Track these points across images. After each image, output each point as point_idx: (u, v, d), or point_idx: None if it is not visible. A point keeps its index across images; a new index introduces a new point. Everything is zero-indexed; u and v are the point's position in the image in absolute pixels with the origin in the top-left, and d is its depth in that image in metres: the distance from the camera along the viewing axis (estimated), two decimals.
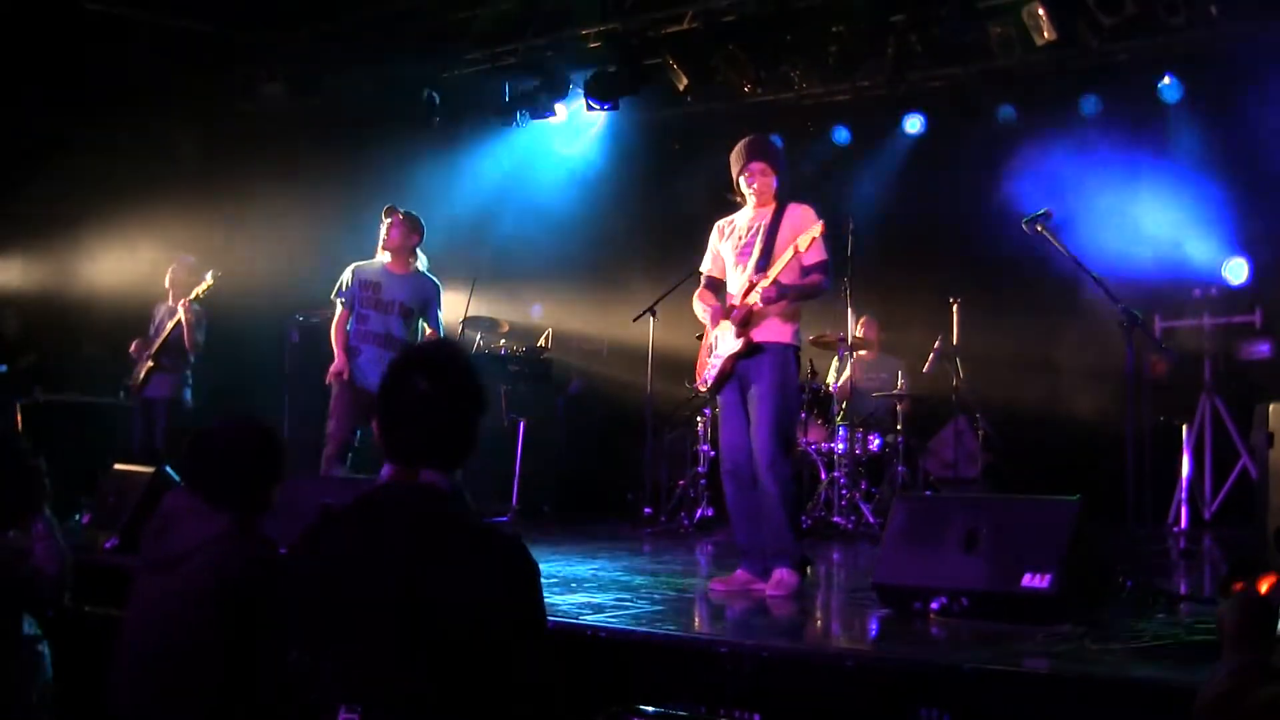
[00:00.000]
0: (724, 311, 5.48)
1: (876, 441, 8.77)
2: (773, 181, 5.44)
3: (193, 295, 8.34)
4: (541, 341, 10.02)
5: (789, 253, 5.26)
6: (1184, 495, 8.44)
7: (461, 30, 10.34)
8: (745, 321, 5.34)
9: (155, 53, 9.90)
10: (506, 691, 2.24)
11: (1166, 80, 9.11)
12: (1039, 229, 5.64)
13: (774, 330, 5.36)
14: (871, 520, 8.09)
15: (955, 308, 8.83)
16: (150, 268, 9.16)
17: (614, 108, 10.20)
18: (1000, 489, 8.65)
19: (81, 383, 10.03)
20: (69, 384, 9.97)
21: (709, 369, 5.53)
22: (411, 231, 7.10)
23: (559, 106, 10.57)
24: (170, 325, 8.37)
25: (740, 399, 5.39)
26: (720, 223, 5.66)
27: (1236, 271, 8.86)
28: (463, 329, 9.51)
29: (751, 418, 5.30)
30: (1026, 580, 4.21)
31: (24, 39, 9.40)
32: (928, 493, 8.41)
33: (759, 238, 5.39)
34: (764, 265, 5.31)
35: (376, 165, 10.40)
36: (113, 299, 9.67)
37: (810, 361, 8.60)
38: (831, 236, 5.63)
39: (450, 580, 2.21)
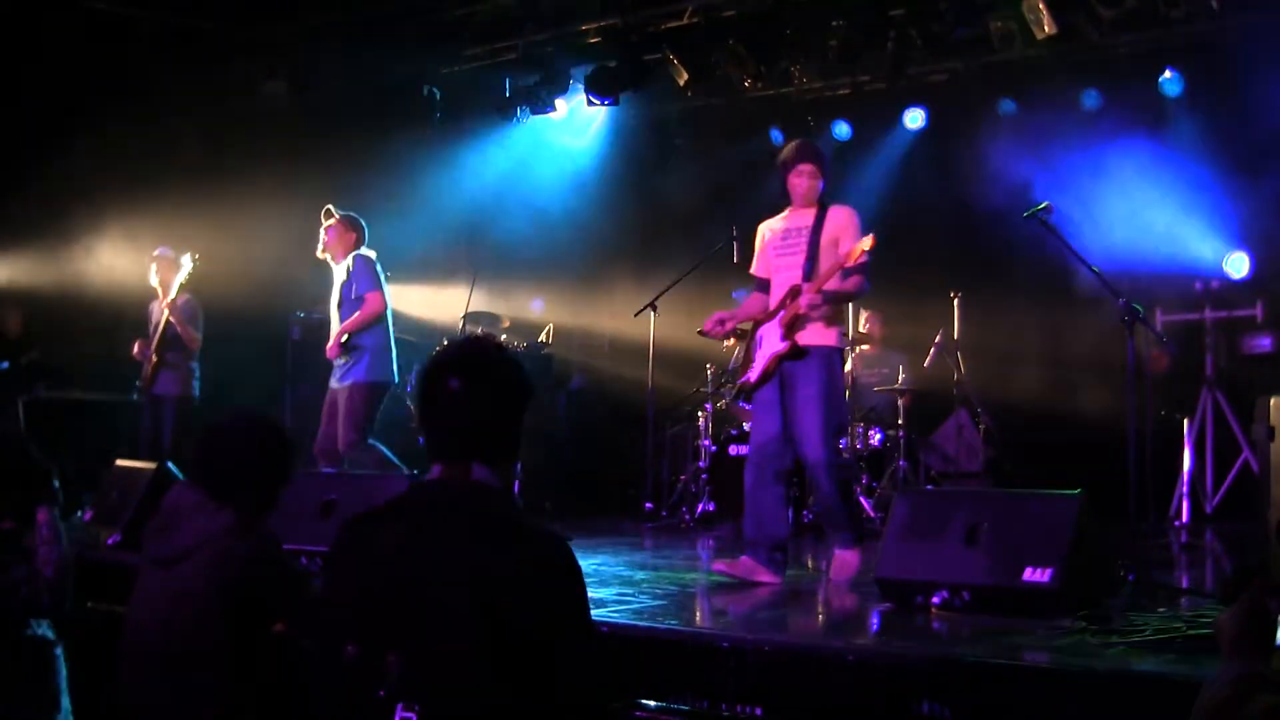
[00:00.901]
0: (766, 313, 5.63)
1: (878, 436, 8.77)
2: (819, 185, 5.61)
3: (175, 289, 8.28)
4: (543, 337, 10.01)
5: (834, 266, 5.42)
6: (1185, 489, 8.44)
7: (461, 26, 10.34)
8: (791, 325, 5.46)
9: (156, 50, 9.90)
10: (556, 687, 2.25)
11: (1167, 74, 9.09)
12: (1040, 222, 5.65)
13: (819, 334, 5.49)
14: (873, 515, 8.08)
15: (956, 302, 8.82)
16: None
17: (614, 103, 10.19)
18: (1001, 483, 8.64)
19: (83, 379, 10.04)
20: (71, 381, 9.98)
21: (753, 367, 5.66)
22: (347, 231, 7.26)
23: (559, 102, 10.56)
24: (162, 323, 8.36)
25: (778, 398, 5.49)
26: (766, 223, 5.79)
27: (1238, 265, 8.85)
28: (464, 324, 9.51)
29: (802, 421, 5.41)
30: (1028, 575, 4.22)
31: (25, 38, 9.40)
32: (929, 487, 8.40)
33: (804, 239, 5.54)
34: (809, 268, 5.48)
35: (377, 162, 10.39)
36: (113, 296, 9.67)
37: None
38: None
39: (502, 579, 2.23)
